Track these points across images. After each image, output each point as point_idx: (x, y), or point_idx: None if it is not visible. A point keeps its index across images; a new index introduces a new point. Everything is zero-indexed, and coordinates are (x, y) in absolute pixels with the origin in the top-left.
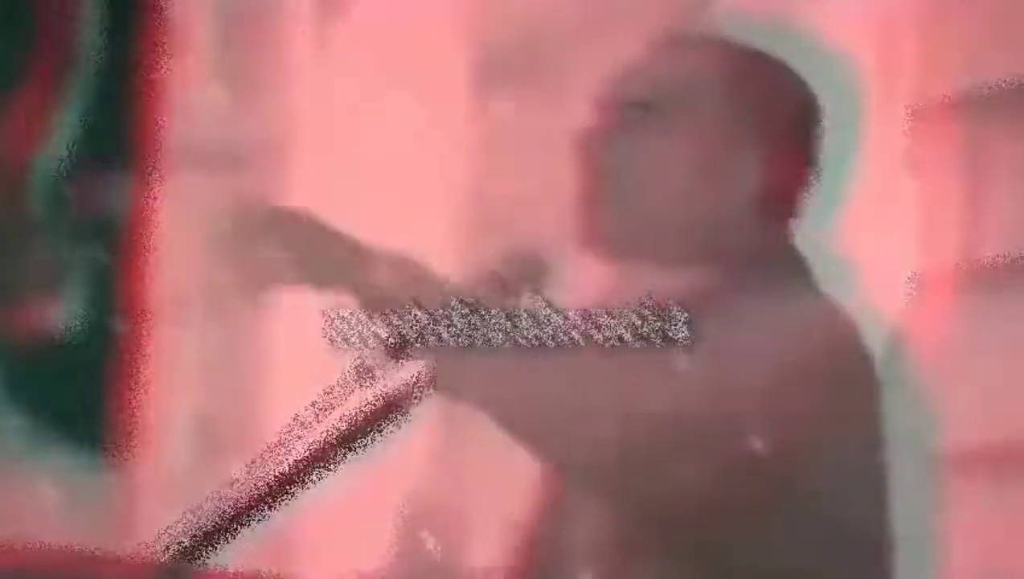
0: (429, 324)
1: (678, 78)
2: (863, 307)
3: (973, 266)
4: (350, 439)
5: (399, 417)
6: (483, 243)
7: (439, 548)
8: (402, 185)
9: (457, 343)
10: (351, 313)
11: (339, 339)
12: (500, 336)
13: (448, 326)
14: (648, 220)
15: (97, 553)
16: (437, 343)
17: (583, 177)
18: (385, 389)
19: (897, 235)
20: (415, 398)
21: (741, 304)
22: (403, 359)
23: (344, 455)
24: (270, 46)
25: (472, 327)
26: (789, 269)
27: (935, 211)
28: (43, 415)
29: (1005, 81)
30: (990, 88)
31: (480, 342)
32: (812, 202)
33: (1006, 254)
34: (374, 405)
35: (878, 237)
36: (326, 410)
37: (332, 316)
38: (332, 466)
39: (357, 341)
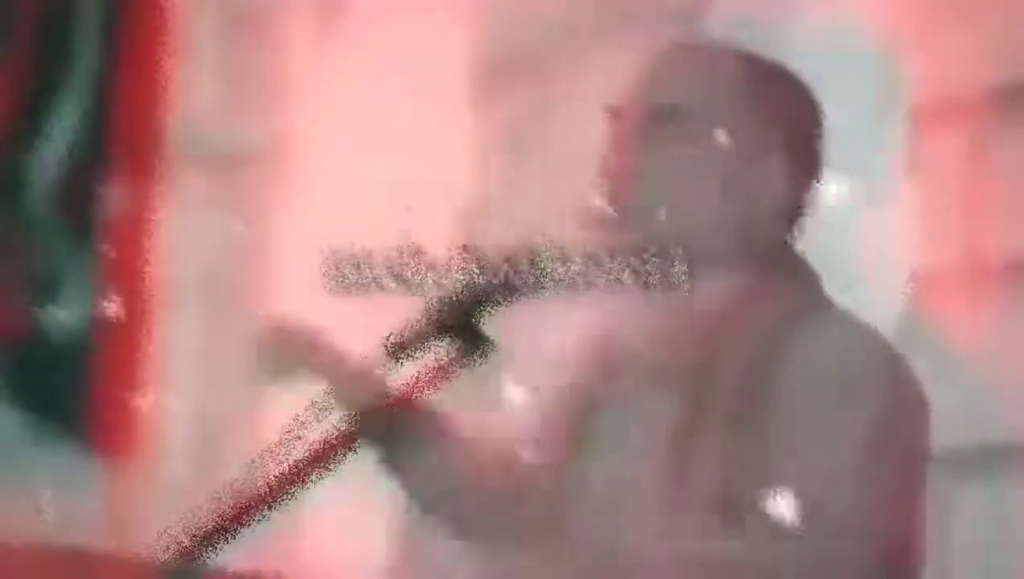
0: (428, 323)
1: (702, 82)
2: (863, 307)
3: (973, 266)
4: (350, 439)
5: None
6: (482, 244)
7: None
8: (401, 186)
9: (457, 341)
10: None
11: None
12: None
13: (448, 326)
14: (675, 222)
15: (97, 553)
16: (437, 343)
17: (611, 178)
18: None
19: (897, 235)
20: (417, 398)
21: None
22: (403, 359)
23: (344, 455)
24: (270, 46)
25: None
26: (800, 275)
27: (935, 211)
28: (38, 412)
29: (1005, 81)
30: (990, 88)
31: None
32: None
33: (1006, 254)
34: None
35: (878, 237)
36: (326, 410)
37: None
38: (332, 466)
39: (357, 289)
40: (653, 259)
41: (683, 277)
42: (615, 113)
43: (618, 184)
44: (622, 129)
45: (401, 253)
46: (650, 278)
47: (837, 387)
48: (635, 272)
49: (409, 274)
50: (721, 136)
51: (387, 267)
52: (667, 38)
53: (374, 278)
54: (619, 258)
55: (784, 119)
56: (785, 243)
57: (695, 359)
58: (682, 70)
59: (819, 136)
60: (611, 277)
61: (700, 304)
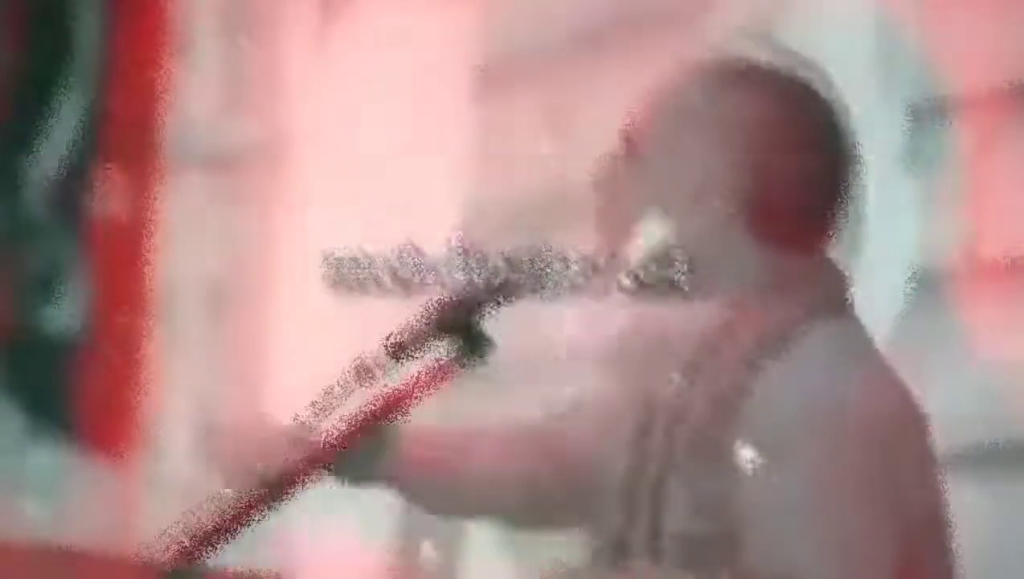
0: (427, 324)
1: (713, 104)
2: (863, 306)
3: (973, 266)
4: (350, 439)
5: (399, 418)
6: (482, 244)
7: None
8: (400, 186)
9: (455, 343)
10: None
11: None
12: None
13: (448, 326)
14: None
15: (97, 553)
16: (437, 343)
17: (613, 203)
18: (384, 389)
19: (897, 235)
20: (417, 398)
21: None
22: (403, 359)
23: (344, 455)
24: (270, 46)
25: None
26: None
27: (935, 211)
28: (37, 413)
29: (1006, 81)
30: (990, 88)
31: (480, 342)
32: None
33: (1006, 254)
34: (375, 405)
35: (878, 237)
36: (326, 410)
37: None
38: (332, 466)
39: (357, 288)
40: (654, 264)
41: (684, 282)
42: (628, 140)
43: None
44: (632, 152)
45: (400, 255)
46: (652, 283)
47: (815, 424)
48: (636, 276)
49: (409, 275)
50: (673, 155)
51: (387, 268)
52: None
53: (374, 279)
54: (620, 262)
55: (806, 135)
56: (802, 253)
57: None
58: (654, 98)
59: (845, 163)
60: (612, 282)
61: (705, 313)
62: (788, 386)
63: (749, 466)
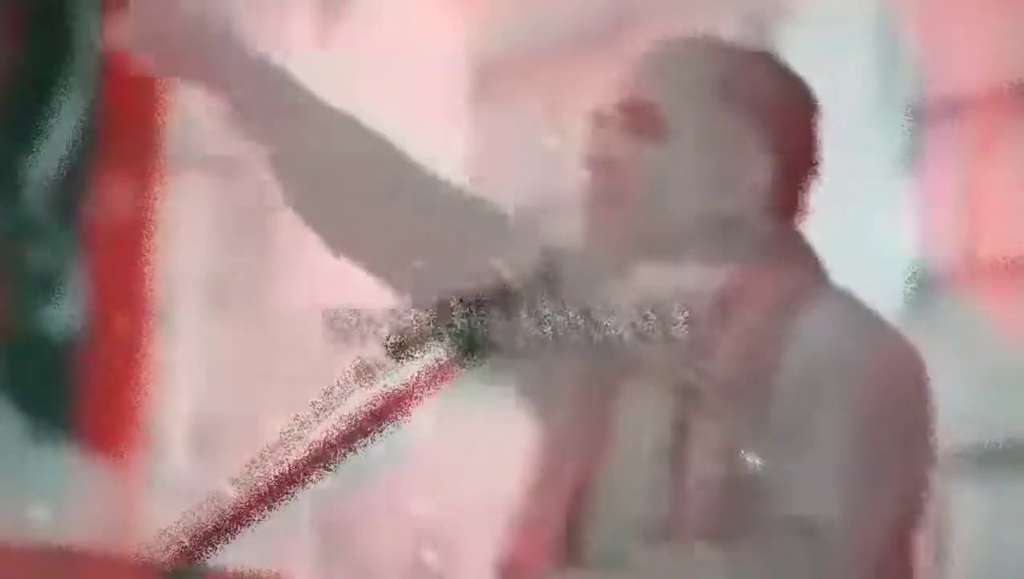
0: (429, 324)
1: (684, 80)
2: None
3: (972, 266)
4: (350, 439)
5: (399, 418)
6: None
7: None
8: None
9: (457, 343)
10: (351, 313)
11: (339, 339)
12: (499, 336)
13: (448, 326)
14: (662, 221)
15: (96, 553)
16: (437, 343)
17: (595, 179)
18: (386, 388)
19: (897, 234)
20: (416, 398)
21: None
22: (403, 359)
23: (344, 455)
24: (270, 46)
25: (471, 327)
26: (796, 264)
27: (935, 210)
28: (37, 413)
29: (1006, 81)
30: (990, 88)
31: (480, 342)
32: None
33: (1006, 254)
34: (374, 405)
35: (878, 237)
36: (326, 410)
37: (332, 316)
38: (332, 466)
39: (357, 340)
40: (652, 314)
41: (683, 331)
42: (599, 118)
43: (604, 185)
44: (605, 132)
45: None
46: (650, 332)
47: (837, 374)
48: (634, 326)
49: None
50: (706, 132)
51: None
52: (653, 39)
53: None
54: (619, 314)
55: (768, 111)
56: (778, 235)
57: (692, 357)
58: (661, 68)
59: (810, 126)
60: (610, 332)
61: (692, 303)
62: (814, 339)
63: (778, 414)
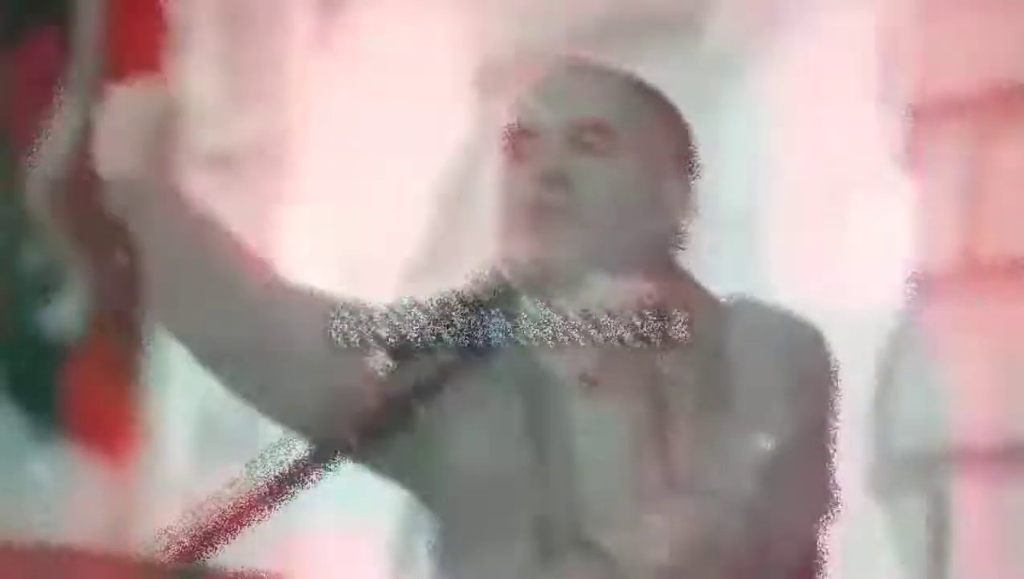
0: (429, 324)
1: (617, 100)
2: (863, 306)
3: (972, 266)
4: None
5: (400, 419)
6: (481, 245)
7: None
8: (400, 186)
9: (457, 343)
10: (352, 313)
11: (339, 339)
12: (500, 336)
13: (448, 326)
14: (601, 237)
15: (96, 553)
16: (437, 343)
17: (537, 197)
18: (388, 393)
19: (897, 235)
20: (417, 403)
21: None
22: (403, 359)
23: (344, 455)
24: (270, 46)
25: (472, 327)
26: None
27: (935, 211)
28: (37, 413)
29: (1005, 81)
30: (990, 88)
31: (480, 342)
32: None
33: (1006, 254)
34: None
35: (878, 237)
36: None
37: (332, 316)
38: (332, 466)
39: (357, 341)
40: (652, 317)
41: (683, 334)
42: (531, 132)
43: (556, 199)
44: (539, 145)
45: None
46: (649, 335)
47: (783, 362)
48: (633, 329)
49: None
50: (638, 152)
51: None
52: (557, 62)
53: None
54: (618, 316)
55: (672, 141)
56: (674, 257)
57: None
58: (598, 88)
59: (694, 159)
60: (610, 335)
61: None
62: (752, 337)
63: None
